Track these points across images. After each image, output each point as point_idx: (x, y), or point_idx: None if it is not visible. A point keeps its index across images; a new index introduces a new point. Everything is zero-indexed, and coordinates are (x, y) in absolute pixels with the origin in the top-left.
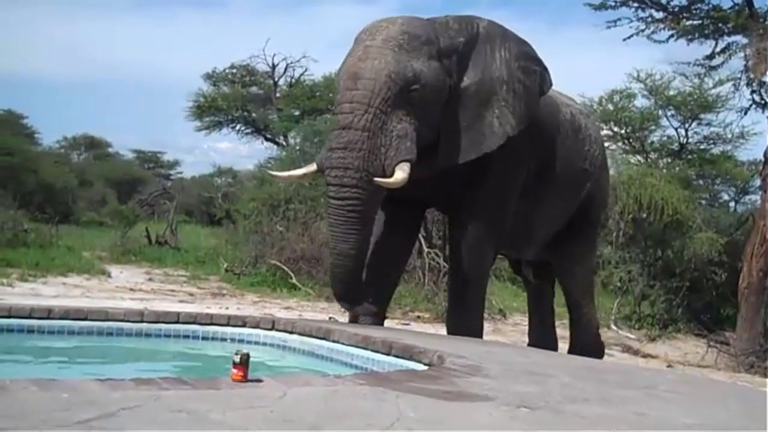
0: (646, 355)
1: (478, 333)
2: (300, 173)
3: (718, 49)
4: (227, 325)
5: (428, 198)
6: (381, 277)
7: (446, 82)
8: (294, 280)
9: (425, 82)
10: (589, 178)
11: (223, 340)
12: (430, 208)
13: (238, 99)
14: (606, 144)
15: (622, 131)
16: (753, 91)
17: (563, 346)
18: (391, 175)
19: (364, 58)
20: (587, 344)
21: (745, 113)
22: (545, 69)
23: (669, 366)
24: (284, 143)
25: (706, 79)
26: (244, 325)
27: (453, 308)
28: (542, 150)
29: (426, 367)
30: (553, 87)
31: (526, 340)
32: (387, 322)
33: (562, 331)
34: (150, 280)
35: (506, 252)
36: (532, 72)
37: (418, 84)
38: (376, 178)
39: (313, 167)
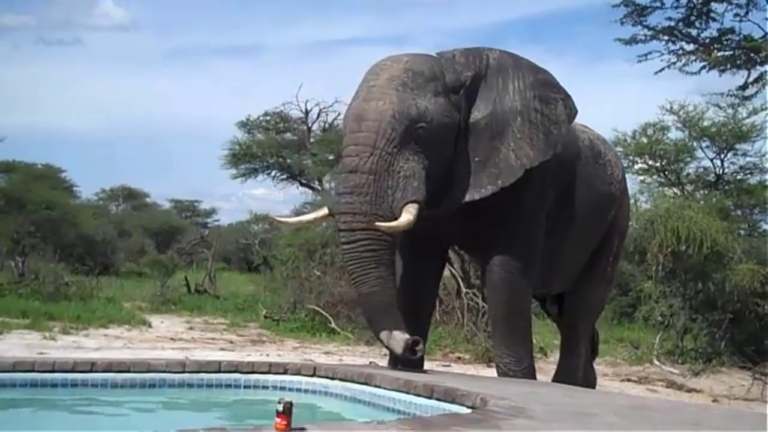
0: (690, 390)
1: (532, 373)
2: (311, 218)
3: (751, 79)
4: (268, 372)
5: (448, 236)
6: (411, 320)
7: (454, 118)
8: (333, 325)
9: (431, 119)
10: (614, 202)
11: (265, 387)
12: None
13: (273, 146)
14: (641, 177)
15: (657, 164)
16: None
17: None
18: (398, 218)
19: (368, 99)
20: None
21: None
22: (567, 96)
23: (715, 401)
24: (319, 188)
25: (740, 109)
26: (285, 372)
27: (501, 352)
28: (563, 178)
29: (469, 410)
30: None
31: None
32: (428, 364)
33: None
34: (190, 328)
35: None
36: (551, 100)
37: (424, 122)
38: (380, 224)
39: (323, 212)
